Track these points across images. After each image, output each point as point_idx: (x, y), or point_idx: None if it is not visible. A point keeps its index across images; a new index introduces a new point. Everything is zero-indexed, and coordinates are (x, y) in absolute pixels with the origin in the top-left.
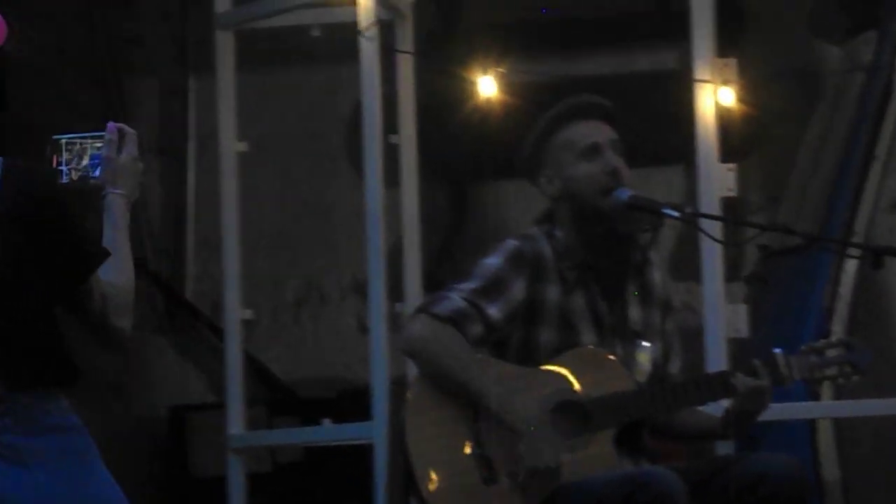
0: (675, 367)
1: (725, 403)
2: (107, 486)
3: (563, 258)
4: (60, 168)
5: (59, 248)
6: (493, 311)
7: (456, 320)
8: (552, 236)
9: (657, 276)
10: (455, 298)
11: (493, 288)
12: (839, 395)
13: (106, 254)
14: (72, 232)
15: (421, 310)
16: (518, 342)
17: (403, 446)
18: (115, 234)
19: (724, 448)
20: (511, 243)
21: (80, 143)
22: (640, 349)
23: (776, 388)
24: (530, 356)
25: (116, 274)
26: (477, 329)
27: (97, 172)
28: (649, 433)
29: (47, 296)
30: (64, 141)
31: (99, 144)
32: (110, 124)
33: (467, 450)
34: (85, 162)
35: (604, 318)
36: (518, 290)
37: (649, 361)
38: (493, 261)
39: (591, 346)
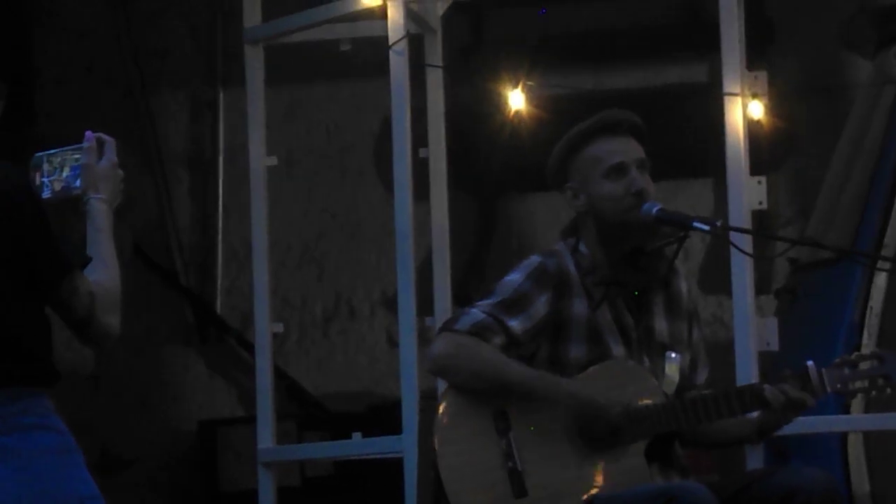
0: (701, 377)
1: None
2: (83, 485)
3: (588, 274)
4: (43, 181)
5: (31, 252)
6: (515, 325)
7: (477, 332)
8: (577, 251)
9: (683, 286)
10: (476, 313)
11: (514, 303)
12: (869, 408)
13: (86, 258)
14: (45, 237)
15: (443, 328)
16: (546, 358)
17: (434, 460)
18: (98, 236)
19: (755, 462)
20: (535, 259)
21: (61, 157)
22: (668, 361)
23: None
24: (560, 371)
25: (102, 273)
26: (499, 340)
27: (78, 182)
28: (680, 442)
29: (21, 297)
30: (45, 157)
31: (78, 155)
32: (88, 133)
33: (497, 463)
34: (66, 173)
35: (630, 331)
36: (541, 305)
37: (677, 372)
38: (515, 277)
39: (620, 359)
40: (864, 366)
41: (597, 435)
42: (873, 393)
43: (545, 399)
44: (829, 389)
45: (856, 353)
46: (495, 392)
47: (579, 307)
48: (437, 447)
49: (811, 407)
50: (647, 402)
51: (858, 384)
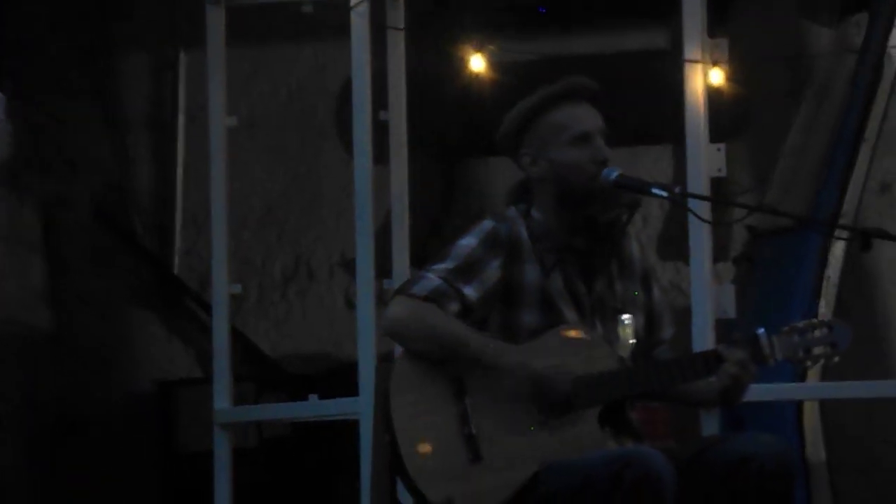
0: (668, 334)
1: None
2: None
3: (539, 240)
4: None
5: None
6: (469, 291)
7: (434, 299)
8: (529, 217)
9: (635, 249)
10: (432, 278)
11: (468, 269)
12: (825, 377)
13: None
14: None
15: (399, 291)
16: (498, 324)
17: (389, 425)
18: None
19: (711, 428)
20: (487, 224)
21: None
22: (622, 324)
23: (759, 367)
24: (512, 337)
25: None
26: (454, 307)
27: None
28: (642, 398)
29: None
30: None
31: None
32: None
33: (453, 428)
34: None
35: (583, 297)
36: (493, 271)
37: (631, 335)
38: (468, 241)
39: (573, 325)
40: (813, 334)
41: (550, 402)
42: (822, 361)
43: (498, 368)
44: (779, 357)
45: (805, 321)
46: (450, 360)
47: (531, 273)
48: (392, 412)
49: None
50: (601, 367)
51: (807, 351)
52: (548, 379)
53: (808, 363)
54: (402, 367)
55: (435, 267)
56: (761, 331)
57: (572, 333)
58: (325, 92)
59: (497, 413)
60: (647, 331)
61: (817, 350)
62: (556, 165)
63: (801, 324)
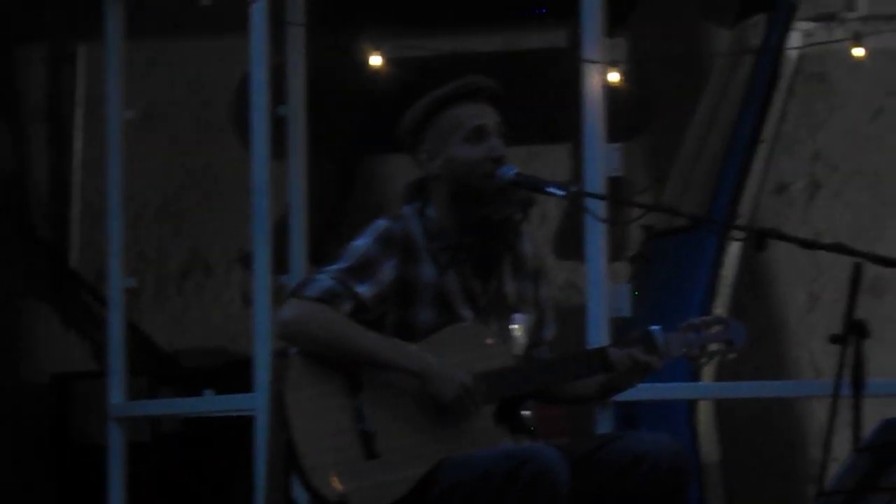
0: (549, 333)
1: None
2: None
3: (434, 238)
4: None
5: None
6: (363, 291)
7: (326, 299)
8: (423, 215)
9: (528, 247)
10: (324, 279)
11: (361, 268)
12: (720, 376)
13: None
14: None
15: (291, 294)
16: (394, 323)
17: (284, 422)
18: None
19: (605, 427)
20: (381, 224)
21: None
22: (515, 322)
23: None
24: (408, 336)
25: None
26: (347, 307)
27: None
28: (533, 399)
29: None
30: None
31: None
32: None
33: (348, 425)
34: None
35: (478, 296)
36: (388, 270)
37: (524, 334)
38: (362, 242)
39: (468, 323)
40: (709, 331)
41: (443, 400)
42: (717, 357)
43: (393, 366)
44: (674, 354)
45: (700, 318)
46: (344, 359)
47: (426, 272)
48: (287, 408)
49: (656, 370)
50: (495, 365)
51: (704, 348)
52: (441, 376)
53: (704, 360)
54: (297, 364)
55: (328, 268)
56: (656, 328)
57: (467, 331)
58: (223, 86)
59: (393, 409)
60: (537, 328)
61: (713, 347)
62: (451, 162)
63: (696, 320)
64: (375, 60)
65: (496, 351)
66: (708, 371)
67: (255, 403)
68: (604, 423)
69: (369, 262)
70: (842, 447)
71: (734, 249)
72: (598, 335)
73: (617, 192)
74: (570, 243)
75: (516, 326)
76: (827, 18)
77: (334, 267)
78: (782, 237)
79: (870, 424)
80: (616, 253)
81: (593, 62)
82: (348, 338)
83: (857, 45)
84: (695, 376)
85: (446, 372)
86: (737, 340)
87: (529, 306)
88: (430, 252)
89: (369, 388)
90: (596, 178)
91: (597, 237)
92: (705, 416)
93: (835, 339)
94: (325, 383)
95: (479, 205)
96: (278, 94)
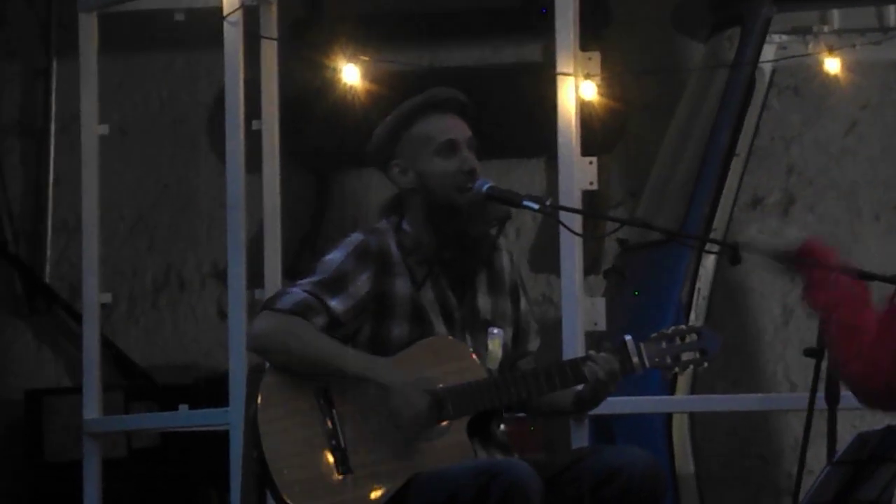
0: (534, 344)
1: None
2: None
3: (410, 252)
4: None
5: None
6: (336, 304)
7: (299, 312)
8: (400, 229)
9: (505, 261)
10: (297, 292)
11: (335, 282)
12: (695, 389)
13: None
14: None
15: (264, 306)
16: (368, 336)
17: (257, 439)
18: None
19: (580, 441)
20: (356, 237)
21: None
22: (491, 337)
23: (628, 375)
24: (381, 350)
25: None
26: (321, 320)
27: None
28: (507, 412)
29: None
30: None
31: None
32: None
33: (321, 441)
34: None
35: (453, 310)
36: (362, 284)
37: (500, 348)
38: (336, 255)
39: (442, 337)
40: (682, 340)
41: (411, 414)
42: (690, 367)
43: (363, 380)
44: (647, 364)
45: (673, 328)
46: (314, 373)
47: (402, 286)
48: (259, 426)
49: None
50: (469, 378)
51: (676, 358)
52: (402, 394)
53: (677, 369)
54: (269, 381)
55: (302, 281)
56: (628, 337)
57: (441, 344)
58: (197, 101)
59: (365, 424)
60: (514, 343)
61: (686, 356)
62: (423, 176)
63: (669, 330)
64: (349, 74)
65: (470, 365)
66: (683, 384)
67: (230, 418)
68: (579, 438)
69: (343, 275)
70: (817, 460)
71: (709, 263)
72: (574, 349)
73: (592, 206)
74: (544, 257)
75: (492, 341)
76: (801, 32)
77: (308, 280)
78: (756, 250)
79: (845, 437)
80: (591, 266)
81: (567, 75)
82: (318, 349)
83: (832, 58)
84: (670, 390)
85: (407, 391)
86: (710, 350)
87: (505, 321)
88: (406, 266)
89: (341, 404)
90: (571, 191)
91: (572, 251)
92: (680, 430)
93: (809, 353)
94: (297, 399)
95: (456, 219)
96: (252, 108)
